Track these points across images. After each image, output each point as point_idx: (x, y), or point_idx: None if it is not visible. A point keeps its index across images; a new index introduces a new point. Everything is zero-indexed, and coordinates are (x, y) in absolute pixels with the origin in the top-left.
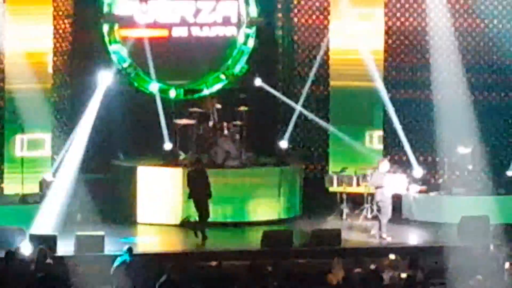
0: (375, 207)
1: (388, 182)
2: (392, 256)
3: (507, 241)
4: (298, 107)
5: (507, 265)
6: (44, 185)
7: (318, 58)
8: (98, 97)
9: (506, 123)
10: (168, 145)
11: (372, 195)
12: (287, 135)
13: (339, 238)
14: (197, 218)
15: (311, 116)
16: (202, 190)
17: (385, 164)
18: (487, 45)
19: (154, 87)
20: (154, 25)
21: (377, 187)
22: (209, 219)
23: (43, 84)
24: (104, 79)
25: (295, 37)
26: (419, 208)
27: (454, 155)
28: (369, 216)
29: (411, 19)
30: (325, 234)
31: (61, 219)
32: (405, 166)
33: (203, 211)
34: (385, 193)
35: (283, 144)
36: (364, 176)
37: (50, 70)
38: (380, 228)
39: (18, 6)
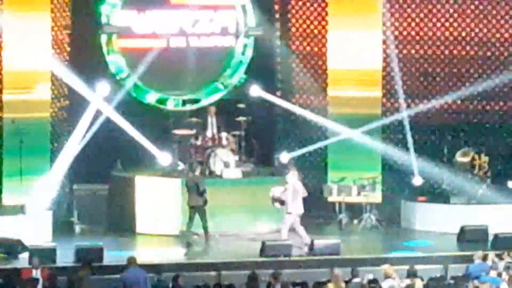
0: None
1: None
2: (385, 266)
3: (506, 250)
4: (297, 108)
5: (504, 275)
6: None
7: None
8: (93, 107)
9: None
10: (164, 160)
11: (371, 204)
12: (291, 154)
13: (337, 249)
14: (195, 230)
15: (311, 118)
16: (198, 198)
17: (292, 176)
18: None
19: (152, 97)
20: (152, 36)
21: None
22: (209, 229)
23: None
24: (101, 90)
25: (293, 47)
26: (419, 217)
27: (453, 164)
28: (368, 226)
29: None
30: (323, 247)
31: (60, 230)
32: (406, 173)
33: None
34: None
35: (284, 157)
36: (363, 186)
37: (48, 81)
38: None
39: (17, 17)
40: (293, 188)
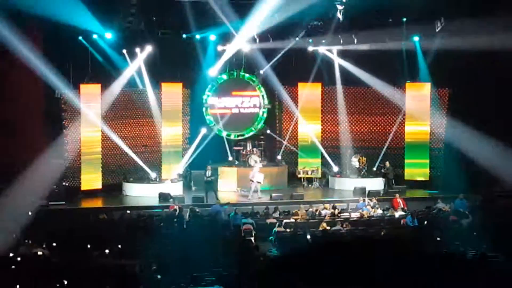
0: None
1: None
2: (326, 205)
3: (373, 197)
4: (285, 142)
5: (370, 208)
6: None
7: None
8: (200, 137)
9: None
10: (230, 158)
11: (317, 179)
12: (280, 153)
13: (302, 197)
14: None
15: (288, 145)
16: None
17: (256, 164)
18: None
19: (224, 133)
20: (224, 108)
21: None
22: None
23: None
24: (203, 131)
25: (283, 112)
26: (337, 184)
27: (350, 160)
28: (315, 187)
29: None
30: (296, 195)
31: (185, 187)
32: (328, 166)
33: None
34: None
35: (279, 157)
36: (313, 170)
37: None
38: (257, 192)
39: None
40: (256, 169)
